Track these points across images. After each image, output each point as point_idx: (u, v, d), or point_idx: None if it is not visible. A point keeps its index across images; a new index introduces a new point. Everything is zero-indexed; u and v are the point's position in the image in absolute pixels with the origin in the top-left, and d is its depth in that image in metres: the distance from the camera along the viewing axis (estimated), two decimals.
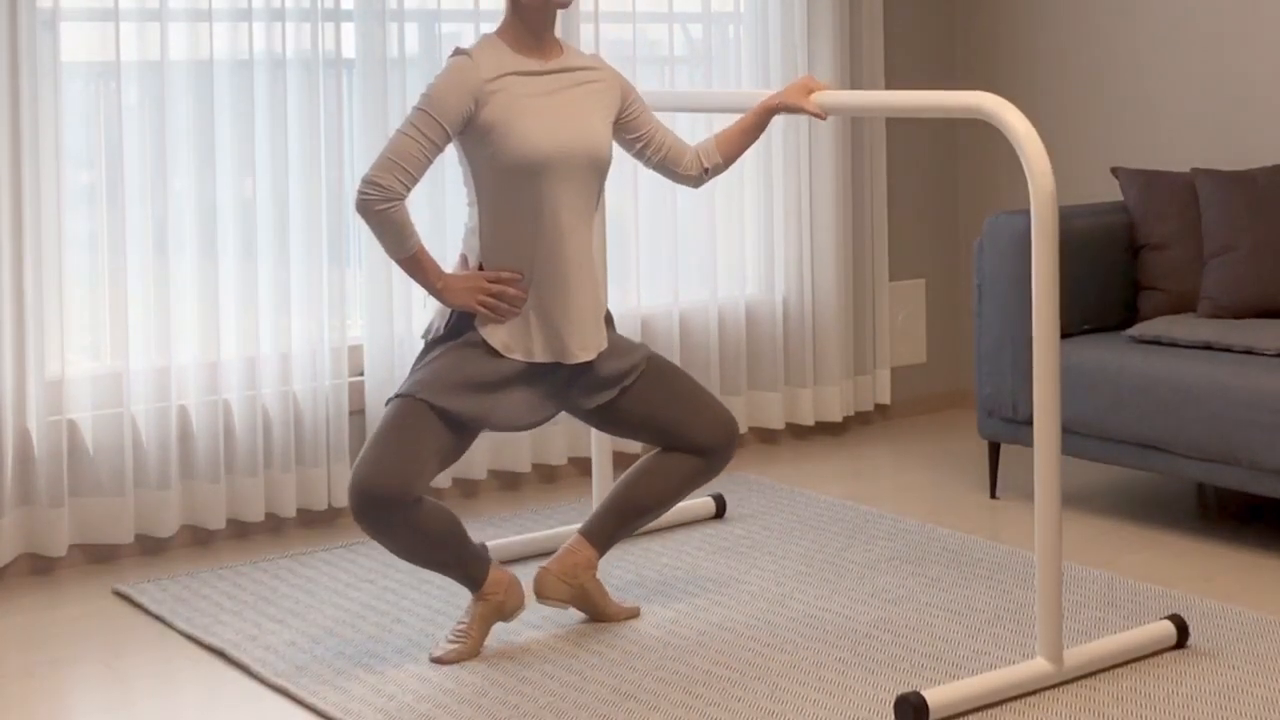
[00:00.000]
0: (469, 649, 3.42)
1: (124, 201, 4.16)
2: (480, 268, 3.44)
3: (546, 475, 4.92)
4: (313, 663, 3.41)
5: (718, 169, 3.71)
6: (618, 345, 3.57)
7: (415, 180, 3.33)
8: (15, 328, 3.99)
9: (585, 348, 3.46)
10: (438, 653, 3.41)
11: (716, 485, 4.79)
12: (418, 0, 4.60)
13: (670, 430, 3.57)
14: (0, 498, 3.98)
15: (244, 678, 3.38)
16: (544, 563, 3.61)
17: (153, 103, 4.19)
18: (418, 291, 4.53)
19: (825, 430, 5.47)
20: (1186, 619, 3.52)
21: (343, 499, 4.46)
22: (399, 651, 3.47)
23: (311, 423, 4.41)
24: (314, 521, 4.50)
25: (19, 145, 3.97)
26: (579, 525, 3.99)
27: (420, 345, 4.57)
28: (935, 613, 3.64)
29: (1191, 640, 3.44)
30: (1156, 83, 5.18)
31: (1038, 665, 3.18)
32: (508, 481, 4.84)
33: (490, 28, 4.77)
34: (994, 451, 4.62)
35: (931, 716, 3.01)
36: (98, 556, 4.19)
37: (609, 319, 3.63)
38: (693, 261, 5.14)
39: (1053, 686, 3.21)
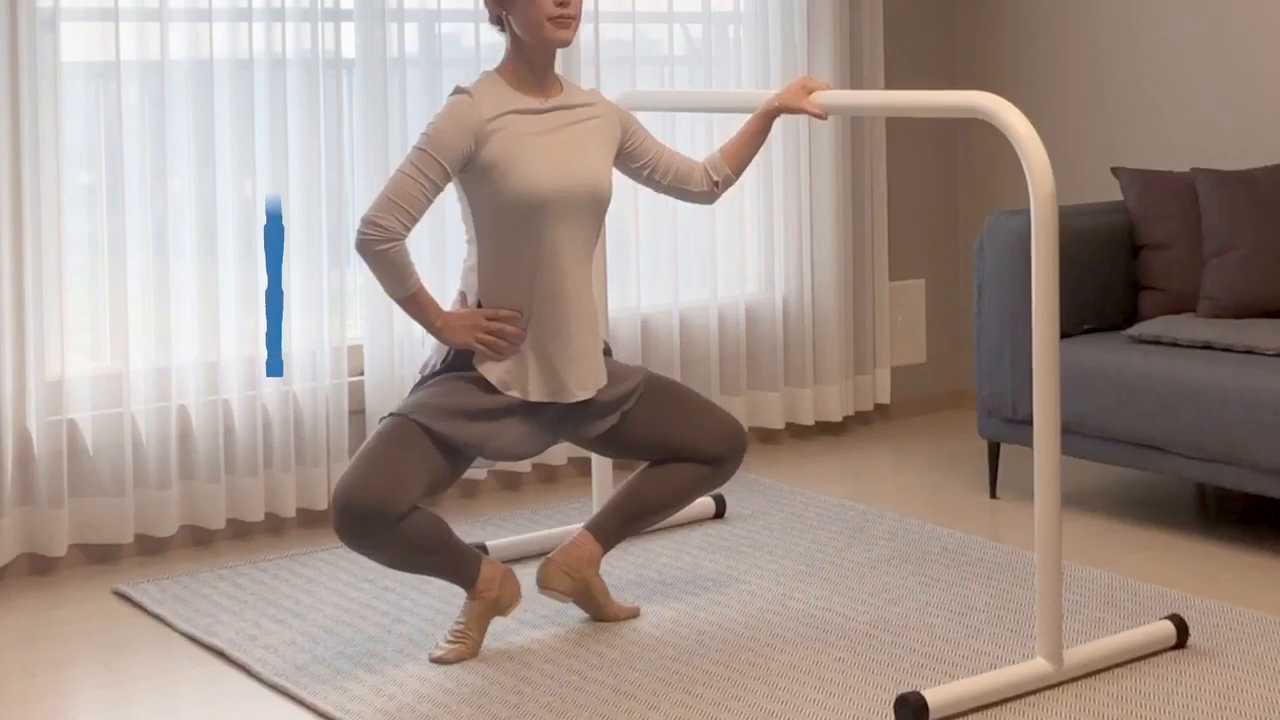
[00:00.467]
0: (468, 649, 3.42)
1: (124, 202, 4.16)
2: (479, 305, 3.43)
3: (546, 475, 4.92)
4: (313, 663, 3.41)
5: (728, 181, 3.71)
6: (615, 371, 3.56)
7: (415, 220, 3.32)
8: (15, 328, 3.99)
9: (584, 386, 3.45)
10: (437, 653, 3.41)
11: None
12: (418, 0, 4.60)
13: (678, 446, 3.58)
14: (0, 498, 3.98)
15: (244, 678, 3.38)
16: (548, 554, 3.61)
17: (153, 103, 4.19)
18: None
19: (825, 430, 5.47)
20: (1186, 619, 3.52)
21: None
22: (399, 651, 3.47)
23: (311, 423, 4.41)
24: (314, 521, 4.49)
25: (19, 145, 3.97)
26: (579, 525, 3.99)
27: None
28: (935, 612, 3.64)
29: (1191, 640, 3.43)
30: (1156, 83, 5.18)
31: (1037, 665, 3.18)
32: (508, 481, 4.84)
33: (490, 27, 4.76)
34: (994, 451, 4.62)
35: (931, 716, 3.01)
36: (98, 556, 4.19)
37: (605, 348, 3.62)
38: (693, 261, 5.14)
39: (1052, 686, 3.21)
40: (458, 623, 3.44)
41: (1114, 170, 4.70)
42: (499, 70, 3.47)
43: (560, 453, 4.84)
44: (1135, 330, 4.36)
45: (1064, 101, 5.44)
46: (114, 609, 3.83)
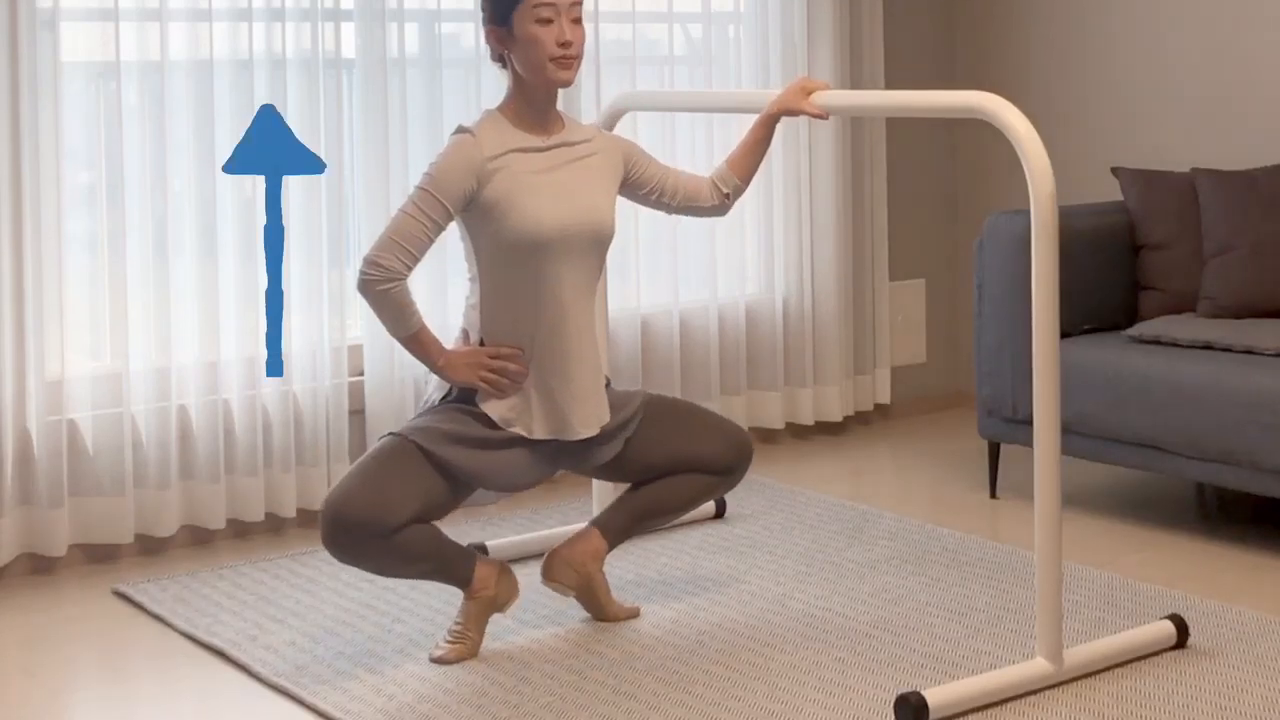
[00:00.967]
0: (468, 649, 3.42)
1: (124, 202, 4.15)
2: (482, 343, 3.43)
3: None
4: (313, 663, 3.41)
5: (738, 191, 3.71)
6: (614, 401, 3.56)
7: (417, 260, 3.32)
8: (15, 328, 3.99)
9: (587, 423, 3.45)
10: (437, 653, 3.41)
11: None
12: (418, 0, 4.60)
13: (685, 462, 3.59)
14: (0, 498, 3.98)
15: (244, 678, 3.37)
16: (554, 548, 3.61)
17: (153, 103, 4.19)
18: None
19: (825, 430, 5.47)
20: (1186, 619, 3.52)
21: None
22: (399, 651, 3.47)
23: (311, 423, 4.41)
24: (314, 521, 4.48)
25: (19, 145, 3.97)
26: (579, 525, 3.99)
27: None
28: (935, 612, 3.64)
29: (1191, 640, 3.43)
30: (1156, 83, 5.18)
31: (1037, 665, 3.18)
32: None
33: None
34: (994, 451, 4.61)
35: (931, 716, 3.01)
36: (97, 556, 4.19)
37: (605, 380, 3.62)
38: (693, 261, 5.13)
39: (1052, 686, 3.20)
40: (456, 623, 3.44)
41: (1114, 170, 4.70)
42: (500, 108, 3.47)
43: None
44: (1135, 330, 4.36)
45: (1064, 101, 5.44)
46: (114, 609, 3.83)
